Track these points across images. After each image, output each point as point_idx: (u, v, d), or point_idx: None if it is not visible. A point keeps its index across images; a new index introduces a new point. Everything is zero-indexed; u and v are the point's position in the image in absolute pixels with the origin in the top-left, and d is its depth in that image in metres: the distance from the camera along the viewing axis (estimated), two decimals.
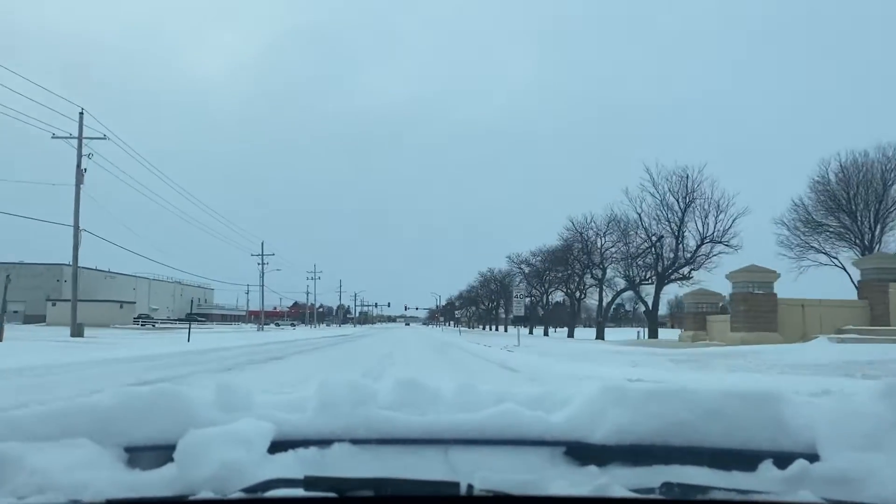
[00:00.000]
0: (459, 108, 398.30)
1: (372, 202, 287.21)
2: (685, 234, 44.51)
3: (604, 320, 56.91)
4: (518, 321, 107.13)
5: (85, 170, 34.85)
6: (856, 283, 34.83)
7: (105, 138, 35.81)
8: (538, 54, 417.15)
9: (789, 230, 44.09)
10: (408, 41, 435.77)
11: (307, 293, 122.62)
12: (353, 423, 1.45)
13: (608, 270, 54.92)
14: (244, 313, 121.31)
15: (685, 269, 45.24)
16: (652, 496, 1.16)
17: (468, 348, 29.64)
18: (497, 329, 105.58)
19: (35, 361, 15.61)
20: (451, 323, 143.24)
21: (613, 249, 53.67)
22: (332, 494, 1.11)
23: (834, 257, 43.17)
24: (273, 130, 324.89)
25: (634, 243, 48.82)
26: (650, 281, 47.89)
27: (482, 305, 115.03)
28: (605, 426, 1.43)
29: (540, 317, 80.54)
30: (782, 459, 1.29)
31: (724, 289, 35.92)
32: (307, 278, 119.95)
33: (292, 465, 1.31)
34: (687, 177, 43.69)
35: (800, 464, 1.26)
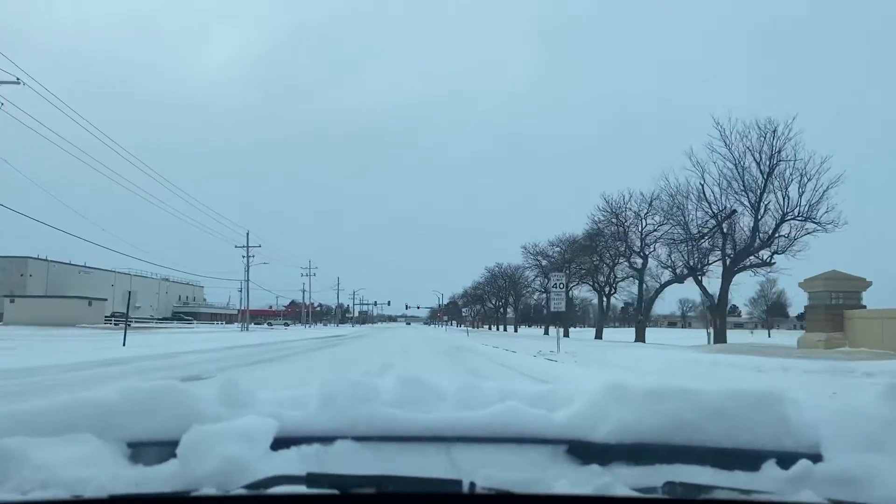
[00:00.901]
0: (462, 105, 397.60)
1: (373, 200, 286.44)
2: (767, 206, 33.51)
3: (645, 318, 48.10)
4: (526, 320, 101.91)
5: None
6: None
7: (19, 83, 29.38)
8: (538, 53, 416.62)
9: None
10: (408, 40, 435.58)
11: (303, 291, 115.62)
12: (356, 419, 1.45)
13: (649, 259, 45.48)
14: (235, 311, 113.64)
15: (764, 253, 34.33)
16: (654, 495, 1.16)
17: (489, 355, 23.75)
18: (506, 329, 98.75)
19: None
20: (454, 322, 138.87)
21: (657, 233, 43.72)
22: (334, 491, 1.12)
23: None
24: (271, 130, 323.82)
25: (693, 222, 37.88)
26: (697, 271, 38.01)
27: (489, 303, 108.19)
28: (608, 425, 1.43)
29: (548, 315, 71.59)
30: (785, 459, 1.29)
31: (804, 275, 27.79)
32: (301, 275, 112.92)
33: (295, 461, 1.31)
34: (773, 131, 32.40)
35: (803, 464, 1.25)
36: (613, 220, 47.87)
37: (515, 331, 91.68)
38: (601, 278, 54.79)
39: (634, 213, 46.51)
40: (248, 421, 1.36)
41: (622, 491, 1.14)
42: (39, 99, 32.08)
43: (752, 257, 35.11)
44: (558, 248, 61.60)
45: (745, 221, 35.52)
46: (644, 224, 45.99)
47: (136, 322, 75.60)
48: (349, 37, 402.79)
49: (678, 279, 42.41)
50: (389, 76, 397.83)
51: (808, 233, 32.59)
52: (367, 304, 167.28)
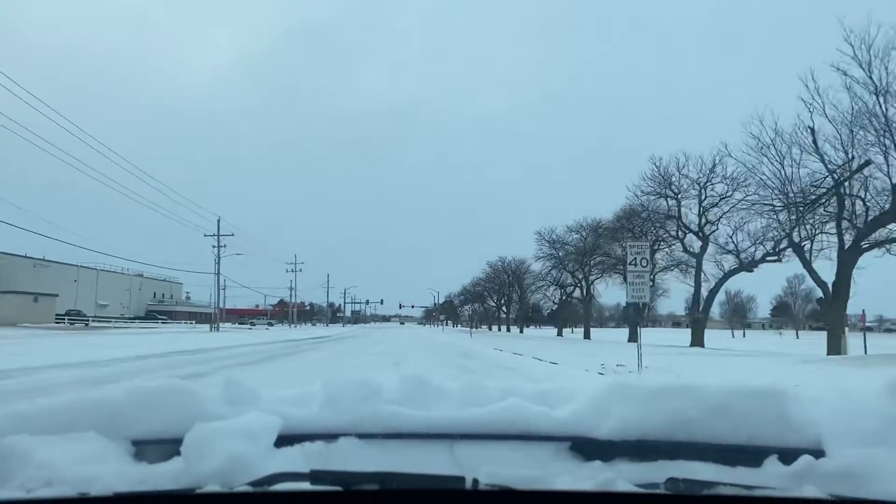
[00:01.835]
0: (458, 104, 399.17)
1: (369, 199, 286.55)
2: None
3: (704, 317, 37.77)
4: (526, 320, 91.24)
5: None
6: None
7: None
8: (538, 52, 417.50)
9: None
10: (408, 40, 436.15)
11: (290, 289, 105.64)
12: (359, 417, 1.46)
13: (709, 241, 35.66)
14: (216, 310, 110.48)
15: None
16: (657, 491, 1.16)
17: (520, 369, 16.18)
18: (509, 329, 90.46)
19: None
20: (449, 322, 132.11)
21: (723, 204, 34.69)
22: (337, 488, 1.12)
23: None
24: (270, 129, 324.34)
25: (793, 183, 27.09)
26: (800, 249, 27.14)
27: (490, 301, 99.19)
28: (611, 422, 1.43)
29: (585, 314, 61.47)
30: (788, 455, 1.30)
31: None
32: (286, 270, 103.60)
33: (298, 458, 1.32)
34: None
35: (805, 460, 1.26)
36: (665, 192, 37.87)
37: (521, 331, 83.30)
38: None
39: (692, 181, 36.44)
40: (251, 419, 1.36)
41: (625, 487, 1.14)
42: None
43: (891, 227, 24.26)
44: (578, 235, 52.89)
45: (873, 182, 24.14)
46: (704, 196, 36.24)
47: (96, 321, 70.06)
48: (348, 36, 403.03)
49: (748, 266, 32.91)
50: (389, 75, 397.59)
51: None
52: (359, 303, 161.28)
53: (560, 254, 56.20)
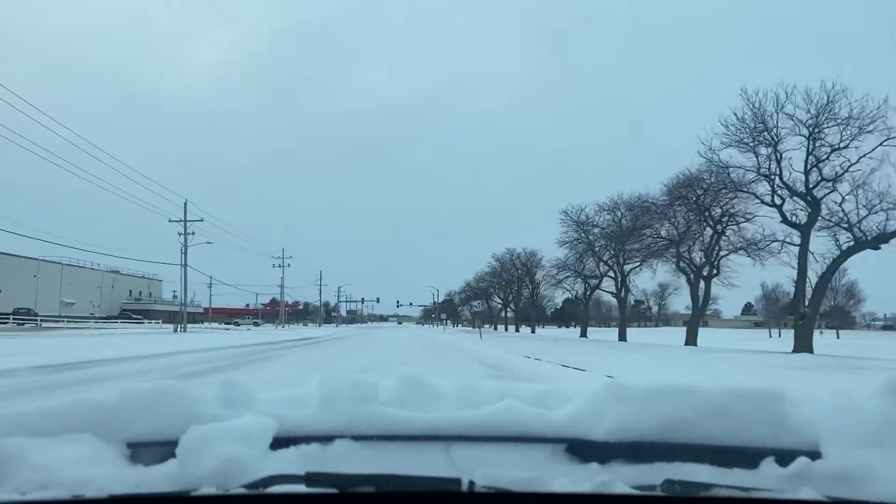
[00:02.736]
0: (459, 103, 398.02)
1: (368, 197, 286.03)
2: None
3: (815, 312, 28.93)
4: (525, 319, 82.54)
5: None
6: None
7: None
8: (539, 51, 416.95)
9: None
10: (408, 40, 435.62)
11: (280, 286, 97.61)
12: (355, 419, 1.45)
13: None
14: (200, 309, 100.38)
15: None
16: (653, 493, 1.16)
17: None
18: (518, 329, 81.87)
19: None
20: (449, 322, 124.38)
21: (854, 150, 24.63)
22: (333, 490, 1.12)
23: None
24: (267, 127, 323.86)
25: None
26: None
27: (496, 298, 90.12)
28: (607, 423, 1.43)
29: (584, 314, 56.71)
30: (784, 457, 1.30)
31: None
32: (273, 266, 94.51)
33: (294, 461, 1.32)
34: None
35: (801, 461, 1.26)
36: (757, 140, 27.50)
37: (533, 331, 74.55)
38: (696, 249, 34.78)
39: (798, 122, 26.04)
40: (247, 421, 1.36)
41: (621, 489, 1.14)
42: None
43: None
44: (611, 215, 44.19)
45: None
46: (812, 145, 25.96)
47: (52, 321, 61.14)
48: (349, 36, 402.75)
49: (875, 241, 24.72)
50: (389, 75, 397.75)
51: None
52: (354, 302, 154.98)
53: (590, 237, 46.13)
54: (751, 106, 27.45)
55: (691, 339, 35.73)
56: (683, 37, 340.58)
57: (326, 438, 1.41)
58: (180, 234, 54.99)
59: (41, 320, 61.98)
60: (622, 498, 1.14)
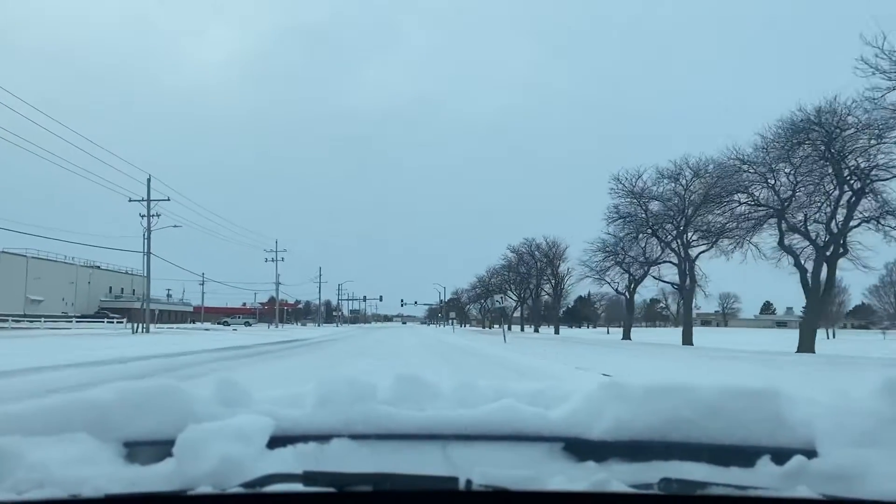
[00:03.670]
0: (461, 103, 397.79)
1: (369, 195, 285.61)
2: None
3: None
4: (539, 320, 76.02)
5: None
6: None
7: None
8: (536, 52, 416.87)
9: None
10: (408, 39, 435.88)
11: (276, 284, 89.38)
12: (353, 418, 1.45)
13: None
14: (189, 308, 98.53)
15: None
16: (650, 492, 1.16)
17: None
18: (537, 330, 73.26)
19: None
20: (455, 321, 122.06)
21: None
22: (330, 489, 1.12)
23: None
24: (267, 127, 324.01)
25: None
26: None
27: (511, 295, 78.51)
28: (604, 422, 1.43)
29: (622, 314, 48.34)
30: (780, 455, 1.30)
31: None
32: (266, 260, 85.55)
33: (291, 460, 1.32)
34: None
35: (798, 460, 1.26)
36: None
37: (556, 332, 65.35)
38: (803, 224, 25.22)
39: None
40: (244, 420, 1.36)
41: (618, 487, 1.15)
42: None
43: None
44: (672, 185, 34.26)
45: None
46: None
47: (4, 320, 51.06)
48: (347, 36, 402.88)
49: None
50: (389, 75, 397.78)
51: None
52: (356, 300, 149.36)
53: (647, 213, 35.60)
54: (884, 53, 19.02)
55: (807, 345, 26.06)
56: (683, 37, 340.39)
57: (324, 437, 1.41)
58: (143, 217, 45.93)
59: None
60: (619, 496, 1.14)
